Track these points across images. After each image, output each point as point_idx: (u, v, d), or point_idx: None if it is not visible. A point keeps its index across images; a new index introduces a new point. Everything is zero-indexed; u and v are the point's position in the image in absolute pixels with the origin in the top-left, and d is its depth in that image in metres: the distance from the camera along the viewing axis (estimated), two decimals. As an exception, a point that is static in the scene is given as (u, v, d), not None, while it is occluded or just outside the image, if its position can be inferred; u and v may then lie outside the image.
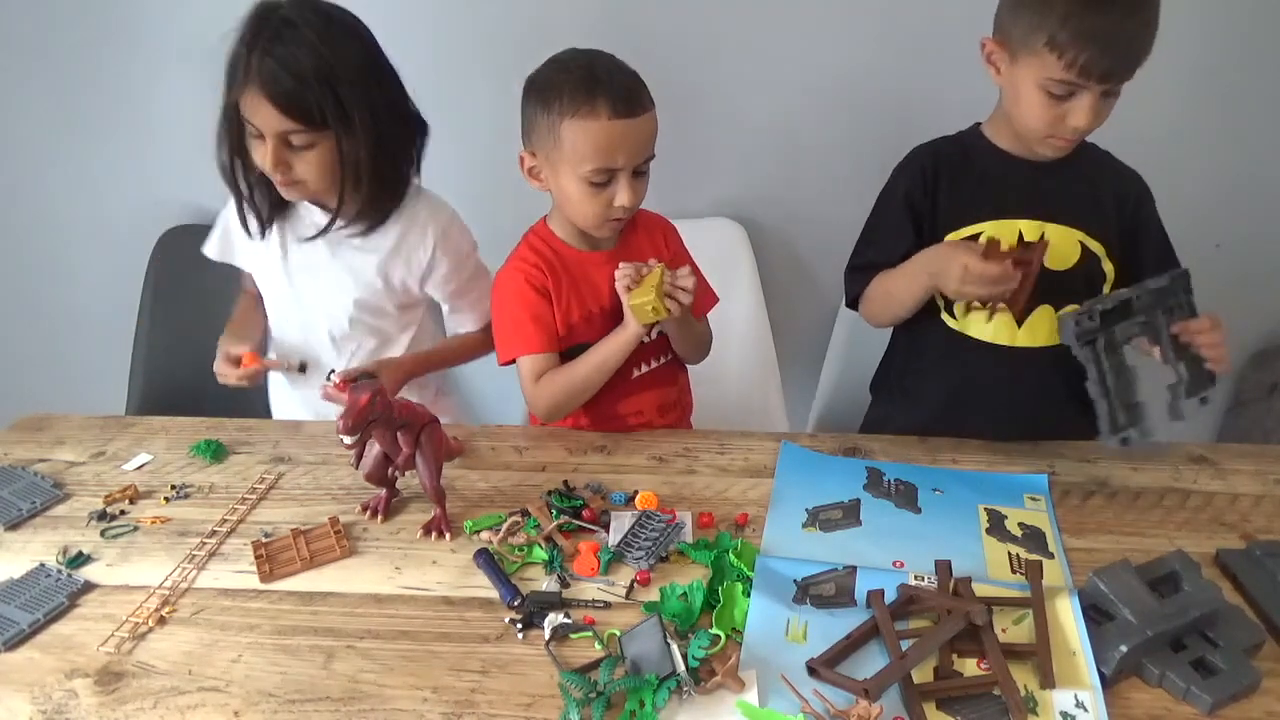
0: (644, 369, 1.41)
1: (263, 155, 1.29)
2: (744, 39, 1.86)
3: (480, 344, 1.57)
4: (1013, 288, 1.20)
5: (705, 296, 1.46)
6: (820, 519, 1.15)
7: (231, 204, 1.45)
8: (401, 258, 1.46)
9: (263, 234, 1.45)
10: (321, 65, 1.24)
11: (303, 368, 1.47)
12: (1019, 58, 1.23)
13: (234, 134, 1.32)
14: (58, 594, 1.03)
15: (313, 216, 1.43)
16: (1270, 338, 2.12)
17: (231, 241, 1.52)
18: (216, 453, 1.32)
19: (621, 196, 1.26)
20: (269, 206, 1.43)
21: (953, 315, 1.37)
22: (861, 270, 1.40)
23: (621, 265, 1.27)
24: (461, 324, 1.58)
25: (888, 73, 1.85)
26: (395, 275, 1.47)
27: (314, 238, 1.43)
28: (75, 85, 1.97)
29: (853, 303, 1.44)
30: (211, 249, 1.54)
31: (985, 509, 1.16)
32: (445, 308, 1.57)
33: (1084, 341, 1.18)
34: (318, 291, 1.48)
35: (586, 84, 1.21)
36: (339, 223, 1.40)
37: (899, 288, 1.33)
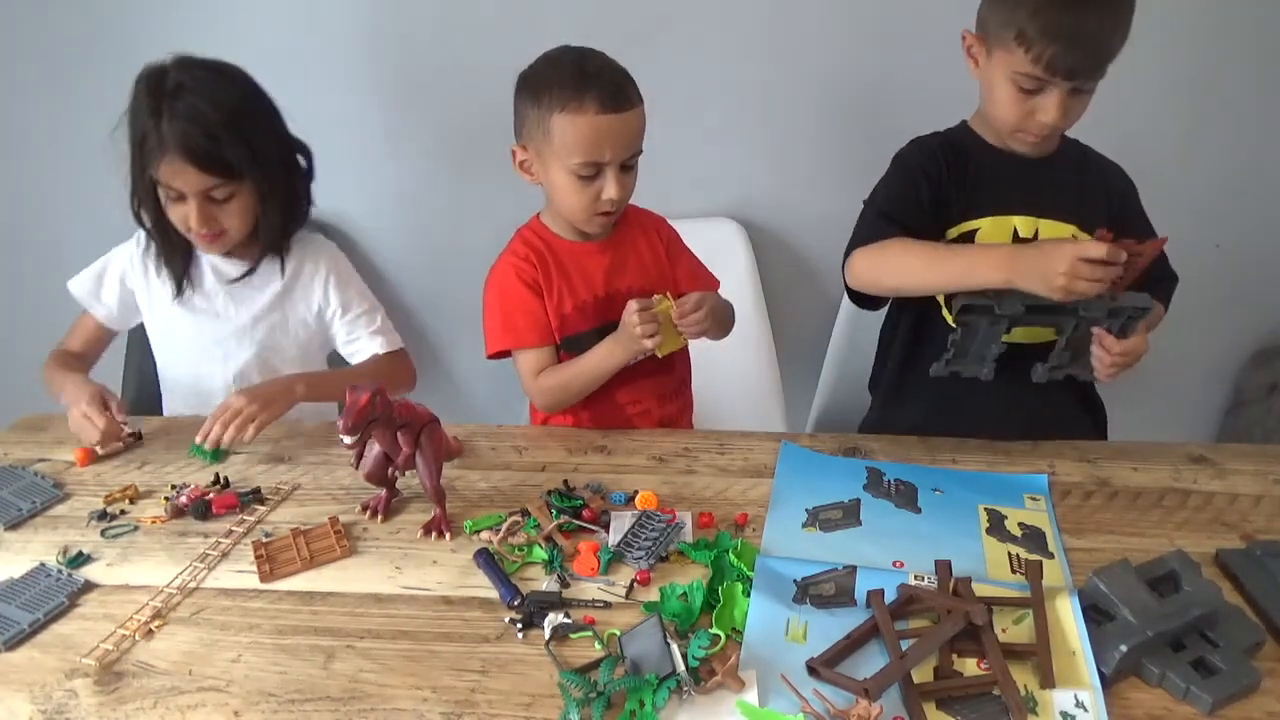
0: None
1: (184, 216, 1.34)
2: (743, 38, 1.86)
3: (388, 370, 1.54)
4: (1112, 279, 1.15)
5: (708, 283, 1.49)
6: (820, 519, 1.15)
7: (117, 253, 1.51)
8: (299, 292, 1.50)
9: (179, 291, 1.48)
10: (226, 116, 1.30)
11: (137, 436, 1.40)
12: (993, 52, 1.26)
13: (152, 203, 1.37)
14: (58, 594, 1.03)
15: (212, 264, 1.48)
16: (1270, 338, 2.12)
17: (101, 284, 1.52)
18: (216, 454, 1.31)
19: (609, 190, 1.28)
20: (182, 263, 1.47)
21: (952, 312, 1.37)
22: (888, 219, 1.29)
23: (634, 312, 1.26)
24: (364, 350, 1.54)
25: (887, 72, 1.85)
26: (295, 312, 1.51)
27: (237, 280, 1.47)
28: (70, 86, 1.97)
29: (861, 242, 1.30)
30: (80, 288, 1.52)
31: (985, 509, 1.15)
32: (344, 340, 1.54)
33: (966, 315, 1.24)
34: (218, 336, 1.50)
35: (576, 79, 1.24)
36: (234, 263, 1.46)
37: (943, 272, 1.22)
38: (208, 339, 1.51)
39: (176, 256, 1.46)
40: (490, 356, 1.42)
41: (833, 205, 1.95)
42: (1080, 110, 1.25)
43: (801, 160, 1.97)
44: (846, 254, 1.33)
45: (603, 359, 1.34)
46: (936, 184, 1.32)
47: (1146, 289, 1.37)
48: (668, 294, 1.30)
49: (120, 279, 1.52)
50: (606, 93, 1.24)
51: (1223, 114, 1.87)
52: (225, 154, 1.30)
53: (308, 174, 1.48)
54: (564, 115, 1.24)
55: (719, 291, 1.50)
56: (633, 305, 1.27)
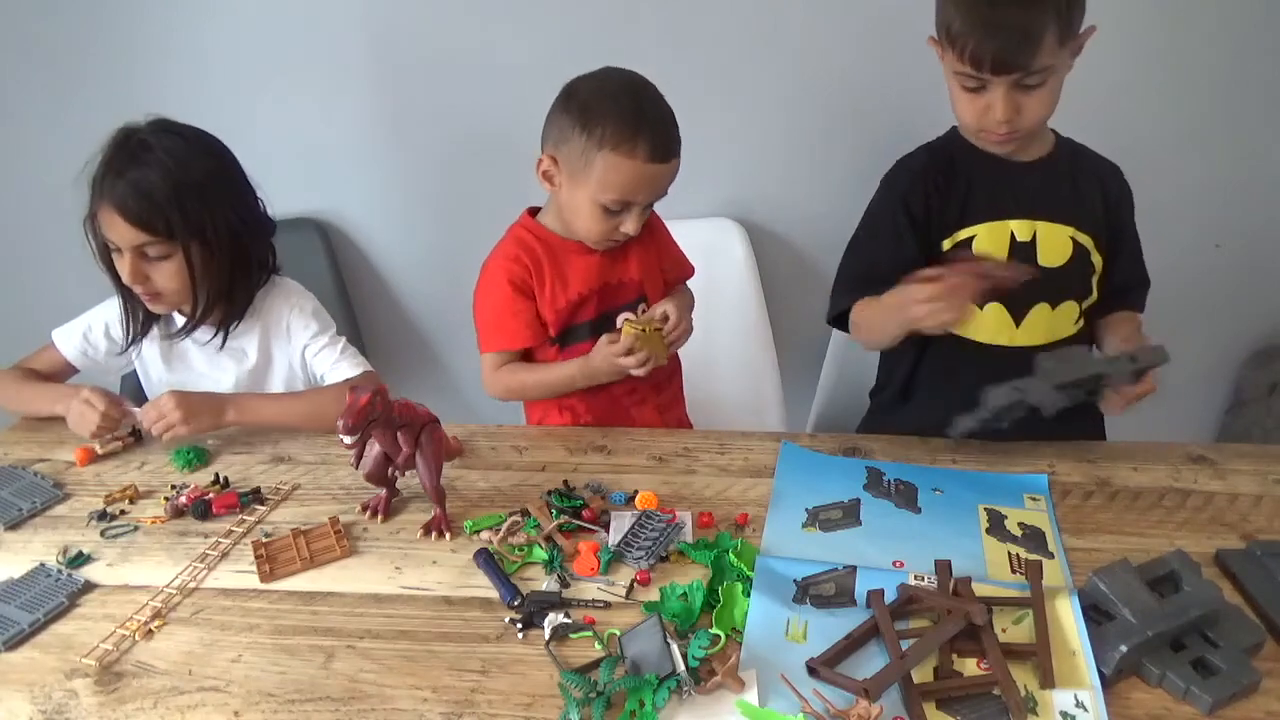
0: None
1: (122, 267, 1.35)
2: (742, 39, 1.86)
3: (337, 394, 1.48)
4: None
5: (684, 269, 1.53)
6: (820, 519, 1.15)
7: (103, 308, 1.49)
8: (277, 346, 1.50)
9: (129, 345, 1.48)
10: (171, 183, 1.30)
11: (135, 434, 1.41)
12: (943, 55, 1.27)
13: (100, 247, 1.37)
14: (58, 594, 1.03)
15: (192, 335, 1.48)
16: (1270, 338, 2.12)
17: (88, 341, 1.50)
18: (192, 460, 1.31)
19: (629, 225, 1.32)
20: (142, 318, 1.46)
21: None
22: (847, 287, 1.36)
23: (619, 356, 1.29)
24: (334, 380, 1.51)
25: (887, 72, 1.85)
26: (279, 364, 1.51)
27: (173, 336, 1.47)
28: (71, 86, 1.97)
29: (836, 320, 1.39)
30: (69, 346, 1.50)
31: (985, 509, 1.15)
32: (321, 374, 1.51)
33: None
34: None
35: (631, 121, 1.24)
36: (203, 328, 1.44)
37: (877, 325, 1.29)
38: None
39: (138, 309, 1.45)
40: (485, 354, 1.42)
41: (833, 205, 1.96)
42: (1036, 106, 1.23)
43: (801, 160, 1.97)
44: (833, 296, 1.37)
45: (570, 379, 1.38)
46: (921, 210, 1.33)
47: (1118, 298, 1.38)
48: (637, 316, 1.32)
49: (105, 330, 1.50)
50: (658, 142, 1.25)
51: (1223, 114, 1.87)
52: (158, 217, 1.29)
53: (266, 247, 1.46)
54: (614, 155, 1.24)
55: (715, 303, 1.52)
56: (607, 346, 1.30)
